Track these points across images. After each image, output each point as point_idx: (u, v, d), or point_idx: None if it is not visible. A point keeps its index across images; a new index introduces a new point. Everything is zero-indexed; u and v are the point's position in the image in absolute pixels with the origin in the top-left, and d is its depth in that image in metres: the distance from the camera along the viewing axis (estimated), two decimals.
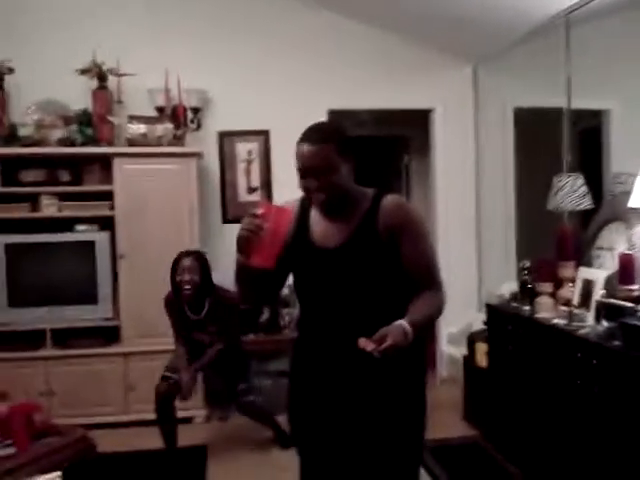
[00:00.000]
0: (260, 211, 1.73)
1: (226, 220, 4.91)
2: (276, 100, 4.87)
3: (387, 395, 1.90)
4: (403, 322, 1.69)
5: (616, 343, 2.67)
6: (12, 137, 4.27)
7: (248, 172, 4.94)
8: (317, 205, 1.90)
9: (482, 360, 4.06)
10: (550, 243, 3.59)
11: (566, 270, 3.36)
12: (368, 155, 6.68)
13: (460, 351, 4.61)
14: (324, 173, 1.80)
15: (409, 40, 5.01)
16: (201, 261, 3.53)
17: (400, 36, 5.00)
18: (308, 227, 1.95)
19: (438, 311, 1.89)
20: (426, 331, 1.97)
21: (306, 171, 1.82)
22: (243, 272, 1.87)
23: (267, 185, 4.93)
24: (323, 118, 4.83)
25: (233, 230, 5.41)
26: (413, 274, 1.87)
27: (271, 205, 1.80)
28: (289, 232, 1.82)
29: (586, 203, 3.55)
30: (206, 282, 3.52)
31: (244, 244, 1.75)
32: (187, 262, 3.47)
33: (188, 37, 4.75)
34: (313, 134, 1.83)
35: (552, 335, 3.15)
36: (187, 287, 3.45)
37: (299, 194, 1.94)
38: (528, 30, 4.18)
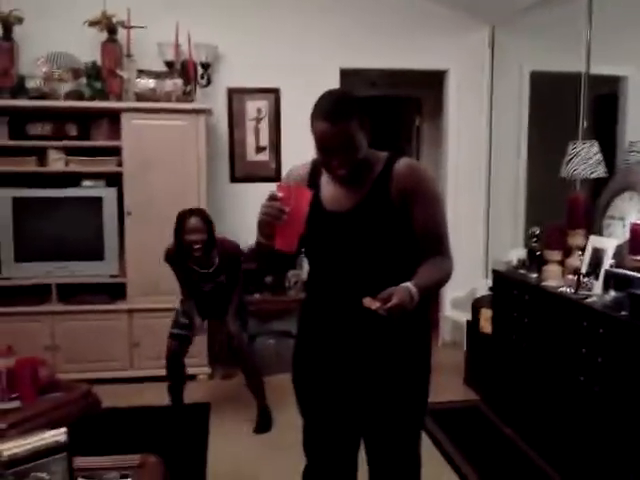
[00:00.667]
0: (280, 194, 1.69)
1: (234, 179, 4.88)
2: (287, 58, 4.78)
3: (393, 356, 1.90)
4: (409, 284, 1.68)
5: (623, 313, 2.65)
6: (20, 89, 4.22)
7: (257, 131, 4.88)
8: (338, 179, 1.86)
9: (486, 326, 4.06)
10: (560, 211, 3.54)
11: (576, 238, 3.32)
12: (379, 116, 6.60)
13: (464, 316, 4.62)
14: (347, 151, 1.76)
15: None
16: (207, 220, 3.55)
17: None
18: (319, 190, 1.92)
19: (445, 278, 1.88)
20: (432, 296, 1.96)
21: (327, 149, 1.77)
22: (264, 253, 1.84)
23: (276, 144, 4.88)
24: (335, 77, 4.76)
25: (241, 189, 5.38)
26: (423, 239, 1.86)
27: (290, 187, 1.74)
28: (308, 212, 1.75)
29: (600, 171, 3.49)
30: (211, 238, 3.55)
31: (265, 228, 1.72)
32: (195, 222, 3.47)
33: None
34: (332, 111, 1.73)
35: (559, 303, 3.13)
36: (197, 247, 3.47)
37: (308, 154, 1.90)
38: None
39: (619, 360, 2.63)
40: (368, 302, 1.60)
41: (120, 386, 4.19)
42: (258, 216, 1.72)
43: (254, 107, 4.86)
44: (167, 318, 3.76)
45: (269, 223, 1.69)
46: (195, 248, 3.47)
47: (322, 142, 1.76)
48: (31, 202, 4.23)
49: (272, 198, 1.69)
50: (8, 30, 4.27)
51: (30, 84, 4.20)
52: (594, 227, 3.43)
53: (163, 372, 3.68)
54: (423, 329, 1.97)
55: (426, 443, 2.72)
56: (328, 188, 1.91)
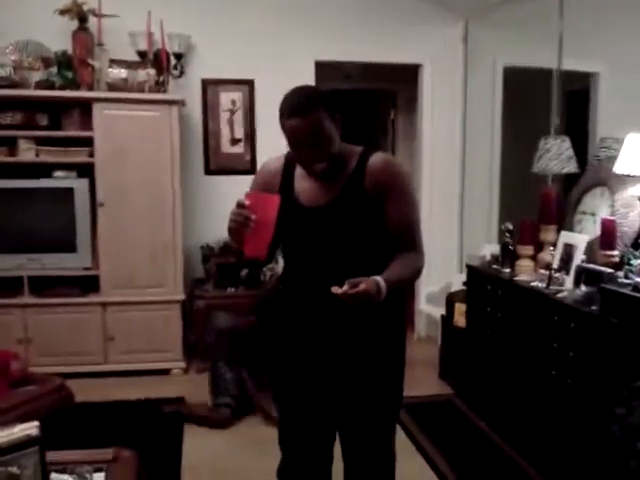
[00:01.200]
0: (247, 202, 1.71)
1: (208, 171, 4.84)
2: (262, 49, 4.75)
3: (367, 350, 1.92)
4: (378, 277, 1.70)
5: (594, 308, 2.70)
6: None
7: (231, 122, 4.84)
8: (314, 174, 1.86)
9: (460, 320, 4.10)
10: (533, 206, 3.59)
11: (548, 233, 3.37)
12: (354, 109, 6.60)
13: (439, 311, 4.65)
14: (320, 143, 1.77)
15: None
16: None
17: None
18: (293, 185, 1.93)
19: (416, 273, 1.90)
20: (402, 290, 1.98)
21: (299, 144, 1.78)
22: (238, 254, 1.85)
23: (251, 136, 4.85)
24: (310, 70, 4.74)
25: (215, 182, 5.32)
26: (395, 234, 1.87)
27: (258, 195, 1.78)
28: (276, 220, 1.76)
29: (571, 167, 3.54)
30: None
31: (235, 235, 1.76)
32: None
33: None
34: (299, 106, 1.75)
35: (531, 298, 3.18)
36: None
37: (283, 146, 1.89)
38: None
39: (590, 354, 2.68)
40: (335, 289, 1.63)
41: (94, 380, 4.14)
42: (228, 222, 1.74)
43: (228, 99, 4.82)
44: (141, 311, 3.71)
45: (237, 230, 1.73)
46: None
47: (293, 137, 1.78)
48: (1, 193, 4.14)
49: (239, 206, 1.72)
50: None
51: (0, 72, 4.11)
52: (565, 222, 3.48)
53: (137, 366, 3.65)
54: (397, 323, 1.99)
55: (400, 437, 2.74)
56: (302, 183, 1.92)
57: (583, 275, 2.93)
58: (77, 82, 4.23)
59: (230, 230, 1.76)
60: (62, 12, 4.21)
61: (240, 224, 1.71)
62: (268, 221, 1.72)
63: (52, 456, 1.88)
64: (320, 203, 1.87)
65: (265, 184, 1.94)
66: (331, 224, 1.86)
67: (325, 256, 1.88)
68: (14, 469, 1.68)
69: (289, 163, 1.95)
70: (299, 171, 1.92)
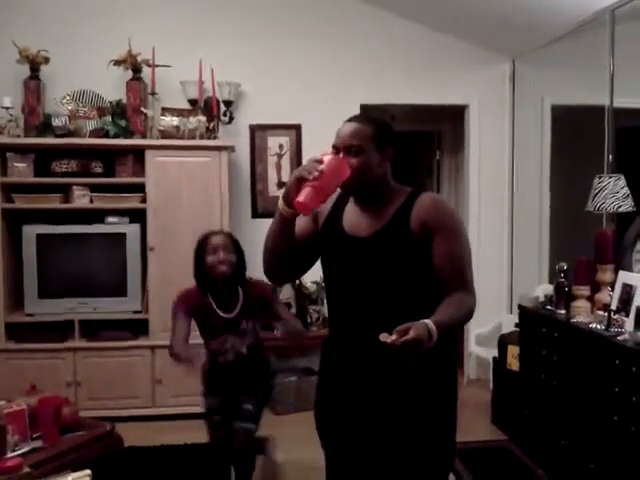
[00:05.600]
0: (322, 157, 1.77)
1: (255, 214, 4.89)
2: (309, 94, 4.83)
3: (417, 396, 1.85)
4: (428, 321, 1.64)
5: None
6: (46, 127, 4.28)
7: (279, 166, 4.91)
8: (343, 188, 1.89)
9: (513, 363, 3.98)
10: (584, 245, 3.50)
11: (605, 274, 3.27)
12: (399, 150, 6.59)
13: (489, 352, 4.53)
14: (350, 151, 1.81)
15: (446, 34, 4.93)
16: (234, 240, 2.97)
17: (437, 30, 4.92)
18: (342, 214, 1.94)
19: (467, 314, 1.82)
20: (453, 333, 1.92)
21: (336, 148, 1.84)
22: (277, 230, 1.87)
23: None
24: (355, 113, 4.77)
25: (261, 224, 5.38)
26: (444, 274, 1.82)
27: (336, 156, 1.80)
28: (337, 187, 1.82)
29: (628, 205, 3.45)
30: (241, 266, 2.93)
31: (294, 185, 1.75)
32: (220, 239, 2.90)
33: (223, 29, 4.73)
34: (357, 117, 1.90)
35: (589, 340, 3.06)
36: (223, 267, 2.83)
37: None
38: (570, 26, 4.07)
39: None
40: (384, 336, 1.57)
41: (142, 424, 4.14)
42: (289, 179, 1.78)
43: (276, 143, 4.89)
44: None
45: (302, 179, 1.73)
46: (221, 267, 2.82)
47: (336, 138, 1.85)
48: (55, 238, 4.26)
49: (316, 161, 1.77)
50: (35, 69, 4.36)
51: (56, 122, 4.27)
52: (624, 262, 3.37)
53: (185, 410, 3.63)
54: (449, 367, 1.94)
55: None
56: (351, 214, 1.93)
57: None
58: (130, 130, 4.36)
59: (291, 185, 1.75)
60: (117, 63, 4.37)
61: (307, 170, 1.73)
62: (333, 178, 1.74)
63: None
64: (364, 233, 1.87)
65: (315, 212, 1.96)
66: (373, 255, 1.84)
67: (366, 291, 1.85)
68: None
69: (341, 197, 1.97)
70: (351, 204, 1.95)
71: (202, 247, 2.90)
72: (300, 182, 1.73)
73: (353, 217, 1.92)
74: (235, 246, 2.94)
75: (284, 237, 1.88)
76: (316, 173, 1.71)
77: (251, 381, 3.03)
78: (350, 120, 1.87)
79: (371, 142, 1.82)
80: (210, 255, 2.85)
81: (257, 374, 3.08)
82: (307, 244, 1.95)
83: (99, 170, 4.33)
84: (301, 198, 1.71)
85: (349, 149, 1.81)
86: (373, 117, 1.92)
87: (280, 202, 1.82)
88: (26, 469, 1.80)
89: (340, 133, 1.85)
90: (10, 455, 2.02)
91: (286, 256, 1.94)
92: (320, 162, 1.75)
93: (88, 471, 1.75)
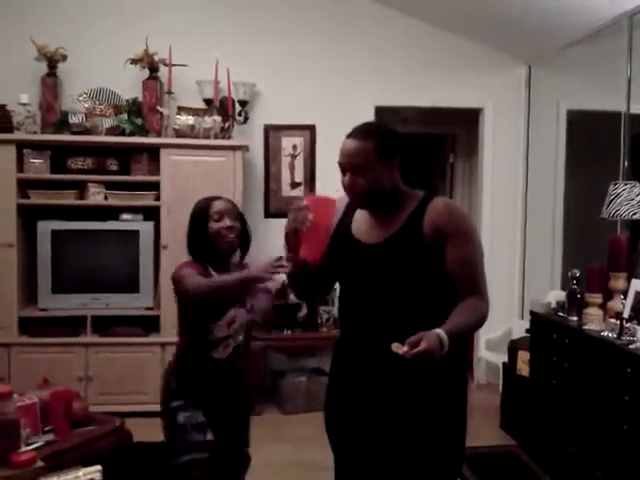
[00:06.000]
0: (304, 203, 1.80)
1: (268, 214, 4.90)
2: (323, 95, 4.84)
3: (427, 401, 1.85)
4: (440, 330, 1.63)
5: None
6: (63, 124, 4.32)
7: (292, 166, 4.92)
8: (351, 202, 1.93)
9: (523, 369, 3.97)
10: (597, 251, 3.48)
11: (618, 281, 3.25)
12: (411, 153, 6.57)
13: (499, 357, 4.52)
14: (356, 171, 1.81)
15: (462, 37, 4.93)
16: (238, 209, 2.59)
17: (453, 33, 4.92)
18: (352, 221, 1.95)
19: (480, 321, 1.82)
20: (467, 338, 1.93)
21: (342, 165, 1.85)
22: (295, 273, 1.93)
23: (311, 180, 4.91)
24: (370, 114, 4.79)
25: (275, 224, 5.37)
26: (457, 279, 1.81)
27: (316, 197, 1.87)
28: (333, 223, 1.88)
29: None
30: (245, 234, 2.56)
31: (292, 238, 1.82)
32: (224, 204, 2.50)
33: (239, 30, 4.75)
34: (356, 132, 1.85)
35: (600, 348, 3.05)
36: (231, 235, 2.43)
37: (341, 190, 1.92)
38: (588, 30, 4.05)
39: None
40: (396, 347, 1.57)
41: (152, 420, 4.14)
42: (285, 228, 1.83)
43: (290, 143, 4.90)
44: None
45: (294, 231, 1.80)
46: (229, 238, 2.43)
47: (340, 156, 1.86)
48: (70, 234, 4.30)
49: (297, 208, 1.81)
50: (53, 67, 4.40)
51: (72, 119, 4.30)
52: (636, 270, 3.35)
53: None
54: (458, 373, 1.93)
55: None
56: (362, 220, 1.93)
57: None
58: (146, 128, 4.39)
59: (287, 234, 1.83)
60: (134, 62, 4.40)
61: (298, 222, 1.78)
62: (324, 221, 1.80)
63: None
64: (376, 240, 1.87)
65: None
66: (385, 262, 1.84)
67: (378, 296, 1.85)
68: None
69: (351, 204, 1.97)
70: (360, 211, 1.95)
71: (204, 213, 2.50)
72: (296, 233, 1.81)
73: (364, 224, 1.93)
74: (241, 217, 2.56)
75: (304, 277, 1.95)
76: (308, 223, 1.79)
77: (247, 391, 2.66)
78: (350, 136, 1.84)
79: (374, 157, 1.80)
80: (214, 222, 2.45)
81: (251, 379, 2.78)
82: (327, 264, 1.94)
83: (114, 168, 4.36)
84: (305, 252, 1.81)
85: (354, 169, 1.81)
86: (373, 128, 1.90)
87: (285, 250, 1.90)
88: (39, 463, 1.81)
89: (343, 152, 1.84)
90: (24, 449, 2.03)
91: (310, 285, 2.04)
92: (307, 208, 1.81)
93: (99, 466, 1.76)
